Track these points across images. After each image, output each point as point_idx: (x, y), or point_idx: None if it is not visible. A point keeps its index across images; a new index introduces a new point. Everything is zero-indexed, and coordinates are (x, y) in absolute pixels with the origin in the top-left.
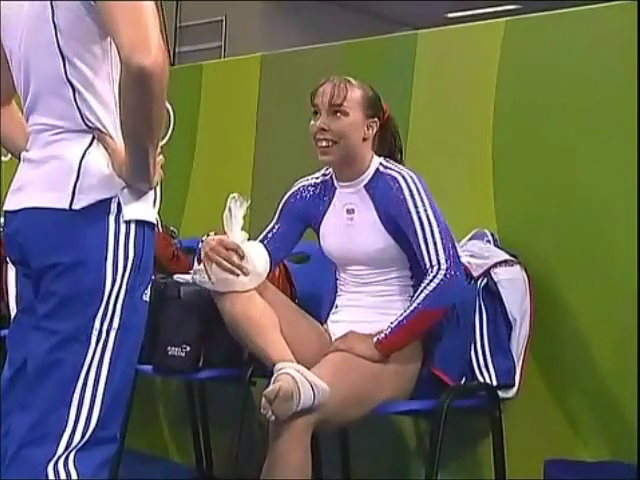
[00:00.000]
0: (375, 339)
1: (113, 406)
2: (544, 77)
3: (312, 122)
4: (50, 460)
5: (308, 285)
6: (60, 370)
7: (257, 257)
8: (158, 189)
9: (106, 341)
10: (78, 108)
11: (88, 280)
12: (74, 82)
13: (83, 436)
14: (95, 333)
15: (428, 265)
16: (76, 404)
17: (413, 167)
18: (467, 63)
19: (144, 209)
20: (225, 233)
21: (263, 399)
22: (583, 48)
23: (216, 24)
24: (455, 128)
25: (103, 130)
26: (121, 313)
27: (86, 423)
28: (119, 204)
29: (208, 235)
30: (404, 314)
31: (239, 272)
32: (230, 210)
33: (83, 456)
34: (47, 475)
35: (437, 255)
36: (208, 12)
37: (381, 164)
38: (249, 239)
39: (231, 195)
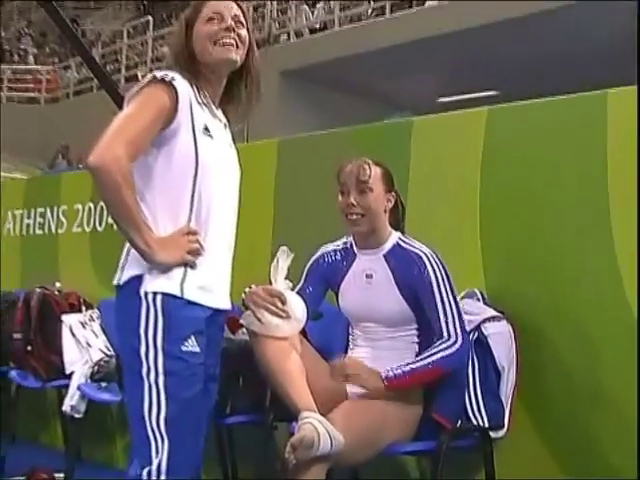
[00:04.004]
0: (384, 374)
1: (176, 444)
2: (523, 157)
3: (340, 198)
4: None
5: (321, 339)
6: (131, 412)
7: (296, 305)
8: (209, 271)
9: (157, 386)
10: None
11: (130, 343)
12: (137, 194)
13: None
14: (146, 385)
15: (445, 333)
16: (151, 442)
17: (412, 237)
18: (455, 146)
19: (166, 283)
20: (270, 282)
21: (288, 445)
22: (551, 134)
23: None
24: (446, 205)
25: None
26: (164, 362)
27: (157, 460)
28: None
29: (250, 287)
30: (418, 363)
31: (283, 315)
32: (277, 261)
33: None
34: None
35: (455, 328)
36: None
37: (400, 239)
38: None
39: (281, 248)
